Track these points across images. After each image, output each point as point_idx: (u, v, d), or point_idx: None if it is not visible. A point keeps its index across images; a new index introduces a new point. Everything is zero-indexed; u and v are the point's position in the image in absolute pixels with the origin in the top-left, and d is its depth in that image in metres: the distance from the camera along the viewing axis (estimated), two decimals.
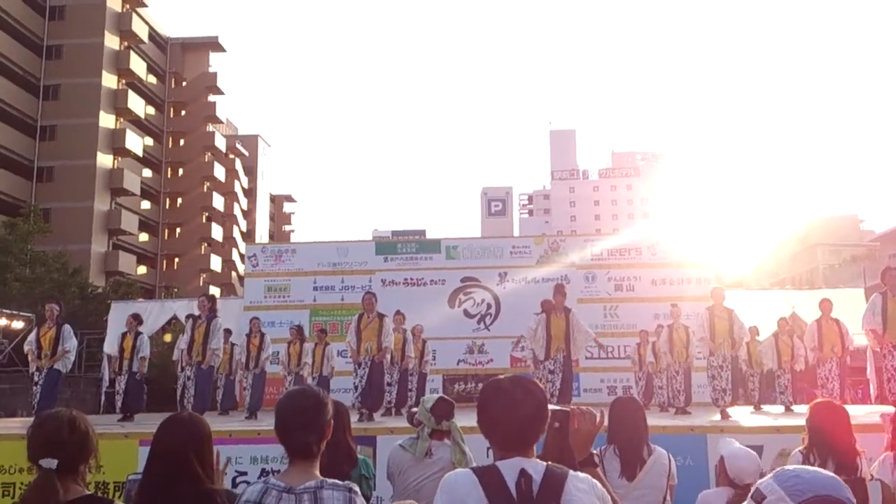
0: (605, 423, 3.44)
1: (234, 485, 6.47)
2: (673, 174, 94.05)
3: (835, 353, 11.44)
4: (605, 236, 19.67)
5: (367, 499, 3.69)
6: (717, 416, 9.62)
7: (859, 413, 9.13)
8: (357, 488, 2.40)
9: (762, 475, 3.66)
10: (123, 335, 11.77)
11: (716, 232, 20.17)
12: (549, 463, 2.05)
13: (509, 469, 2.00)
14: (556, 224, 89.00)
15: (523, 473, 1.99)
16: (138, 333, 11.81)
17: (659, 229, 18.87)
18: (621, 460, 3.72)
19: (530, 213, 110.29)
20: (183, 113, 53.20)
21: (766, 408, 12.61)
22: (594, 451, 2.83)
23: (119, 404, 11.27)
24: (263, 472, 6.88)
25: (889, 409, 7.84)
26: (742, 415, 10.33)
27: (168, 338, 23.17)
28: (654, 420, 5.05)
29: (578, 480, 2.03)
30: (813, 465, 3.86)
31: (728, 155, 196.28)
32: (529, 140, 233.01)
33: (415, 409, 4.89)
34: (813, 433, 3.98)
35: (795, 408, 11.87)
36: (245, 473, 7.00)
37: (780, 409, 12.19)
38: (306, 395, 2.55)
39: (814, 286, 33.93)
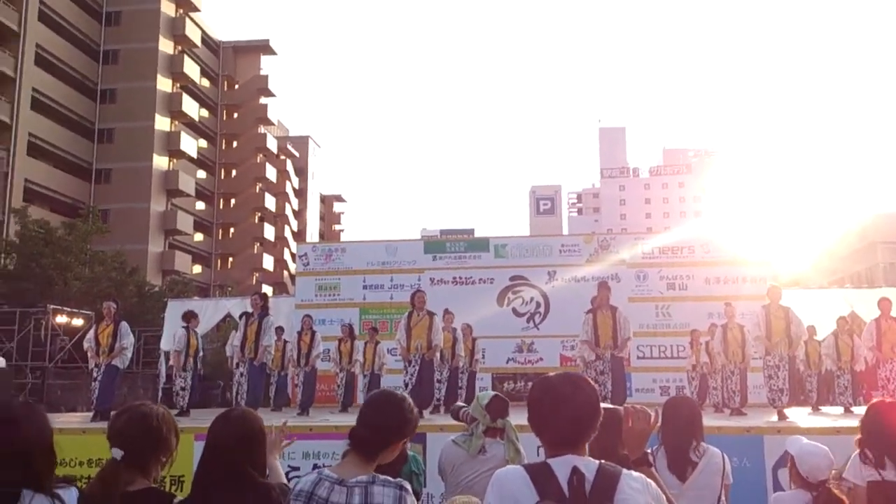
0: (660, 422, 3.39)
1: (287, 479, 6.54)
2: (726, 171, 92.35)
3: (895, 353, 11.09)
4: (656, 234, 19.38)
5: (417, 495, 3.69)
6: (774, 417, 9.40)
7: None
8: (408, 486, 2.39)
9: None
10: (188, 332, 11.87)
11: (771, 230, 19.64)
12: (602, 461, 2.02)
13: (561, 466, 1.98)
14: (605, 223, 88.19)
15: (576, 471, 1.96)
16: (196, 331, 12.04)
17: (712, 227, 18.50)
18: (668, 460, 3.66)
19: (579, 211, 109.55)
20: (235, 115, 54.16)
21: (824, 409, 12.31)
22: (648, 451, 2.78)
23: (185, 401, 11.40)
24: (315, 468, 6.93)
25: None
26: (800, 416, 10.09)
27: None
28: (709, 421, 4.95)
29: (632, 479, 2.00)
30: (867, 463, 3.78)
31: (783, 151, 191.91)
32: (578, 138, 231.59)
33: (460, 404, 4.87)
34: (868, 430, 3.89)
35: (856, 409, 11.55)
36: (297, 468, 7.09)
37: (840, 410, 11.88)
38: (393, 399, 2.56)
39: (873, 284, 32.96)
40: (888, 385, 10.97)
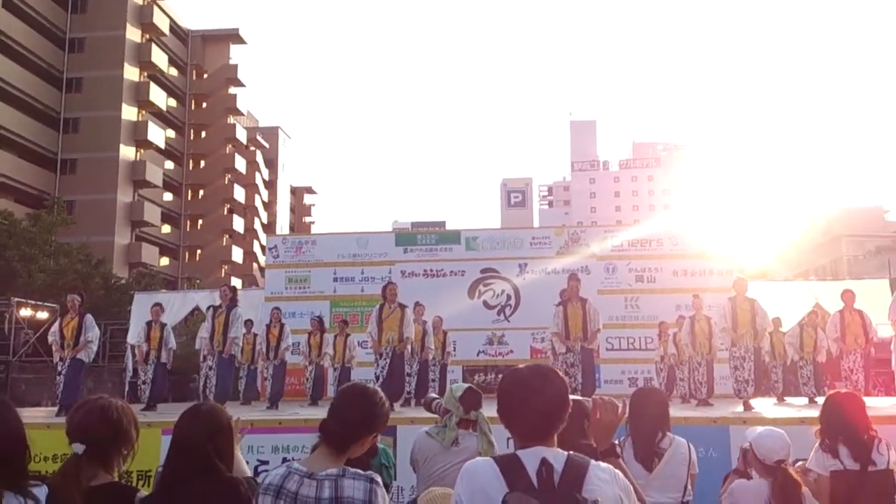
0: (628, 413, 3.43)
1: (256, 473, 6.51)
2: (695, 165, 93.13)
3: (858, 345, 11.28)
4: (625, 227, 19.55)
5: (387, 488, 3.69)
6: (740, 408, 9.54)
7: (884, 405, 9.04)
8: (379, 478, 2.38)
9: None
10: (150, 325, 11.78)
11: (738, 223, 19.94)
12: (571, 452, 2.03)
13: (530, 458, 1.99)
14: (576, 215, 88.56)
15: (544, 462, 1.97)
16: (163, 324, 11.90)
17: (681, 220, 18.70)
18: (635, 450, 3.71)
19: (550, 204, 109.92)
20: (204, 105, 53.47)
21: (789, 399, 12.51)
22: (615, 441, 2.81)
23: (146, 394, 11.30)
24: (284, 461, 6.91)
25: None
26: (765, 406, 10.25)
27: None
28: (676, 411, 5.02)
29: (600, 470, 2.01)
30: (827, 452, 3.90)
31: (751, 145, 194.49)
32: (549, 131, 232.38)
33: (433, 396, 4.88)
34: (827, 420, 4.03)
35: (819, 399, 11.74)
36: (266, 462, 7.05)
37: (804, 400, 12.08)
38: (366, 393, 2.53)
39: (837, 277, 33.57)
40: (851, 376, 11.17)
